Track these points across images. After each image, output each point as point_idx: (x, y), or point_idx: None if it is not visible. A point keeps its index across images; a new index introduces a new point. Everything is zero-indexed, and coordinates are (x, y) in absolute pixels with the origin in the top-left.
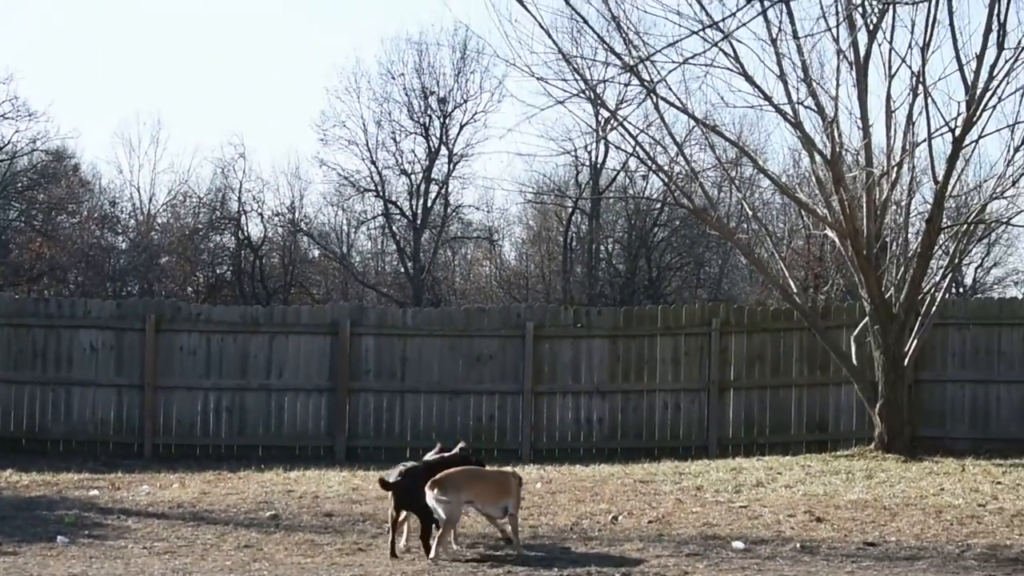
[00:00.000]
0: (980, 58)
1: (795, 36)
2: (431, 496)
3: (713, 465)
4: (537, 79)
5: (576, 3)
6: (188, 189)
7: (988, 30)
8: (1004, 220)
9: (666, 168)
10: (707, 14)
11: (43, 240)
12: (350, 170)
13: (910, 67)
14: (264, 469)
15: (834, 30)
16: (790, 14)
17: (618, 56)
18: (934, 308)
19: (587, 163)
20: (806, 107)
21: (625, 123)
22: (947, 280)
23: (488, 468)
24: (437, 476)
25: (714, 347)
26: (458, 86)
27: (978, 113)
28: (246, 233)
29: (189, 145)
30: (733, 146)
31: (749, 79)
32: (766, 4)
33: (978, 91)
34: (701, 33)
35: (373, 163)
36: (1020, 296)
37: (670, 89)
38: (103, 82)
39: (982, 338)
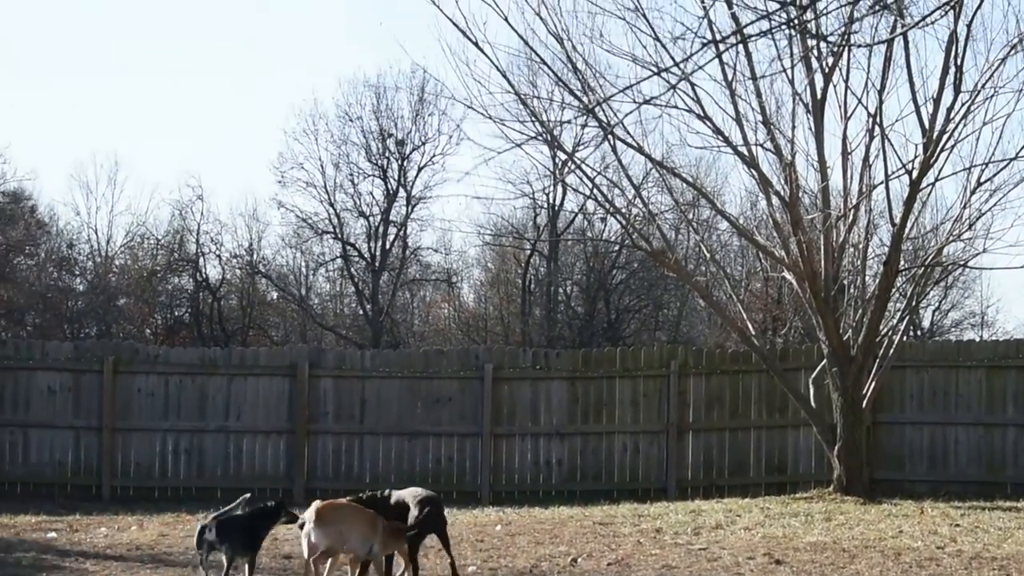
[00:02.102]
0: (937, 100)
1: (752, 77)
2: None
3: (672, 507)
4: (494, 121)
5: (533, 44)
6: (146, 231)
7: (945, 72)
8: (961, 263)
9: (624, 210)
10: (669, 54)
11: (0, 282)
12: (308, 212)
13: (867, 108)
14: None
15: (789, 71)
16: (748, 56)
17: (577, 97)
18: (892, 350)
19: (545, 205)
20: (764, 148)
21: (583, 165)
22: (904, 323)
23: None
24: None
25: (673, 389)
26: (416, 128)
27: (935, 155)
28: (204, 275)
29: (147, 187)
30: (690, 188)
31: (707, 121)
32: (722, 48)
33: (935, 133)
34: (660, 76)
35: (331, 205)
36: (977, 339)
37: (627, 131)
38: (60, 123)
39: (940, 380)
